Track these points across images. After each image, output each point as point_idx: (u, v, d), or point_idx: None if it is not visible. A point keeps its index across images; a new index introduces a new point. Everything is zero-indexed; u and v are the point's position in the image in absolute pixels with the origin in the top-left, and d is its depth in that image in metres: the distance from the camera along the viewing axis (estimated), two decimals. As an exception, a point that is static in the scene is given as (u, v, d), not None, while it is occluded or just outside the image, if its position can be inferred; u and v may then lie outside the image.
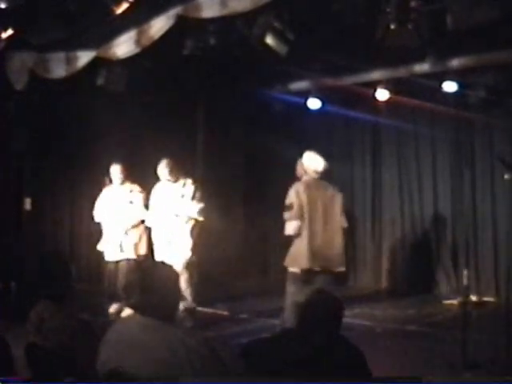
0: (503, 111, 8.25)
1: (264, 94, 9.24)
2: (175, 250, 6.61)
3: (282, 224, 6.37)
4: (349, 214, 9.70)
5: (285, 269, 6.30)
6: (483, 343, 5.48)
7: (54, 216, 8.87)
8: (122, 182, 7.33)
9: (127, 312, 6.80)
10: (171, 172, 6.73)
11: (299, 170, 6.35)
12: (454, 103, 8.45)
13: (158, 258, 6.70)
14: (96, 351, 2.60)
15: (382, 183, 9.67)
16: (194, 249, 6.71)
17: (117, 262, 7.27)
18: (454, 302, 7.66)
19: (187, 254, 6.65)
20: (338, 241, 6.24)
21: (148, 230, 7.16)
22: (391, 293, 9.01)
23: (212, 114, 9.45)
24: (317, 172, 6.26)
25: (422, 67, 7.58)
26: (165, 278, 2.68)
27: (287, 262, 6.26)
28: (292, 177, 6.43)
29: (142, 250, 7.27)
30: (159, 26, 5.92)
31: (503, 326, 5.09)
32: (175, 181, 6.78)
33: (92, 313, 6.10)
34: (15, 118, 7.76)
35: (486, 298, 8.10)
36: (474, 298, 7.60)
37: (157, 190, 6.94)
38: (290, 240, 6.29)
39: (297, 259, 6.17)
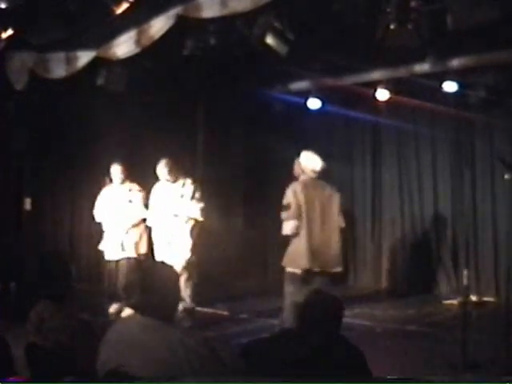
0: (503, 111, 8.25)
1: (264, 93, 9.24)
2: (175, 250, 6.61)
3: (281, 224, 6.36)
4: (349, 213, 9.74)
5: (284, 269, 6.30)
6: (483, 343, 5.48)
7: (54, 216, 8.87)
8: (122, 182, 7.33)
9: (127, 312, 6.81)
10: (170, 172, 6.73)
11: (297, 170, 6.33)
12: (454, 103, 8.45)
13: (157, 257, 6.70)
14: (96, 351, 2.60)
15: (382, 183, 9.67)
16: (194, 249, 6.71)
17: (117, 261, 7.27)
18: (454, 302, 7.64)
19: (187, 254, 6.64)
20: (335, 241, 6.22)
21: (148, 228, 7.16)
22: (391, 293, 9.01)
23: (212, 114, 9.45)
24: (314, 171, 6.25)
25: (422, 67, 7.58)
26: (165, 278, 2.68)
27: (285, 261, 6.24)
28: (292, 177, 6.43)
29: (143, 249, 7.28)
30: (159, 26, 5.92)
31: (503, 326, 5.09)
32: (174, 181, 6.78)
33: (92, 313, 6.10)
34: (15, 118, 7.76)
35: (485, 298, 8.11)
36: (473, 298, 7.59)
37: (156, 189, 6.94)
38: (288, 240, 6.28)
39: (295, 259, 6.15)
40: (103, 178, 7.52)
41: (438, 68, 7.53)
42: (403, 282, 9.16)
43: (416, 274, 9.06)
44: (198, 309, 6.93)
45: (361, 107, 9.19)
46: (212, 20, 5.86)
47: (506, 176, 5.16)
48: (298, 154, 6.38)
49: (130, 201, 7.29)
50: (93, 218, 7.50)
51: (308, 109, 8.96)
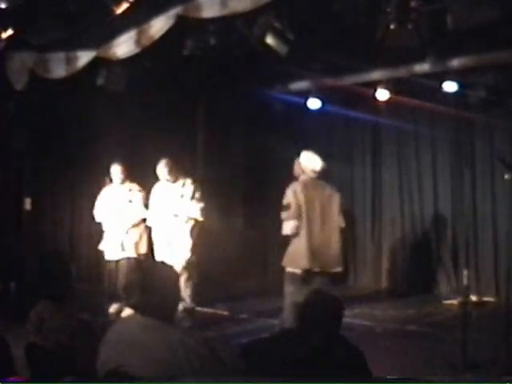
0: (503, 111, 8.25)
1: (264, 93, 9.24)
2: (175, 251, 6.60)
3: (281, 224, 6.36)
4: (349, 213, 9.73)
5: (284, 269, 6.29)
6: (483, 343, 5.48)
7: (54, 216, 8.87)
8: (123, 182, 7.34)
9: (127, 312, 6.80)
10: (170, 172, 6.72)
11: (297, 170, 6.33)
12: (454, 103, 8.45)
13: (157, 257, 6.70)
14: (96, 351, 2.60)
15: (382, 183, 9.67)
16: (194, 249, 6.71)
17: (117, 261, 7.27)
18: (454, 302, 7.64)
19: (187, 254, 6.64)
20: (335, 241, 6.21)
21: (148, 228, 7.16)
22: (391, 293, 9.01)
23: (212, 114, 9.45)
24: (314, 171, 6.24)
25: (422, 67, 7.58)
26: (165, 278, 2.68)
27: (285, 261, 6.23)
28: (292, 177, 6.42)
29: (143, 249, 7.28)
30: (159, 26, 5.92)
31: (503, 326, 5.09)
32: (174, 181, 6.78)
33: (92, 313, 6.10)
34: (15, 118, 7.76)
35: (486, 298, 8.10)
36: (474, 298, 7.60)
37: (156, 190, 6.94)
38: (288, 240, 6.27)
39: (295, 259, 6.14)
40: (103, 177, 7.52)
41: (438, 68, 7.53)
42: (403, 281, 9.16)
43: (416, 273, 9.06)
44: (198, 309, 6.93)
45: (361, 107, 9.18)
46: (212, 20, 5.86)
47: (506, 176, 5.16)
48: (298, 154, 6.38)
49: (130, 201, 7.29)
50: (93, 218, 7.51)
51: (308, 109, 8.96)
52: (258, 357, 2.78)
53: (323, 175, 6.37)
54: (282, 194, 6.32)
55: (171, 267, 2.80)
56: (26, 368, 2.94)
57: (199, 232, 6.81)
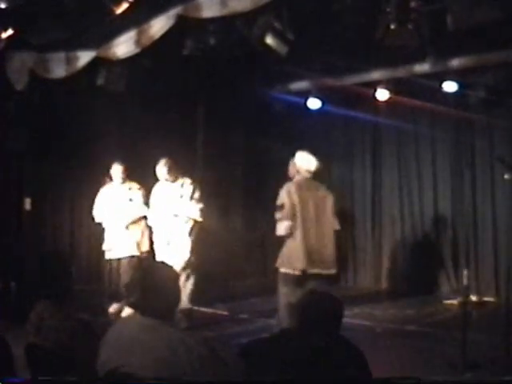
0: (503, 111, 8.25)
1: (264, 93, 9.24)
2: (174, 251, 6.60)
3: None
4: (349, 214, 9.77)
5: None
6: (483, 343, 5.48)
7: (54, 216, 8.86)
8: (123, 182, 7.36)
9: (127, 311, 6.81)
10: (170, 171, 6.72)
11: (291, 170, 6.28)
12: (454, 103, 8.46)
13: (157, 257, 6.70)
14: (96, 351, 2.60)
15: (382, 183, 9.67)
16: (193, 249, 6.70)
17: (119, 259, 7.29)
18: (454, 302, 7.65)
19: (186, 254, 6.63)
20: (330, 242, 6.16)
21: (149, 227, 7.16)
22: (391, 293, 9.02)
23: (212, 114, 9.44)
24: (309, 172, 6.20)
25: (422, 67, 7.59)
26: (165, 277, 2.68)
27: (279, 262, 6.18)
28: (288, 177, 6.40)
29: (145, 247, 7.29)
30: (159, 26, 5.92)
31: (503, 326, 5.09)
32: (174, 180, 6.78)
33: (92, 313, 6.09)
34: (15, 118, 7.76)
35: (486, 298, 8.10)
36: (474, 298, 7.60)
37: (156, 189, 6.94)
38: (283, 241, 6.23)
39: (290, 260, 6.09)
40: (103, 177, 7.53)
41: (438, 68, 7.53)
42: (403, 282, 9.16)
43: (416, 274, 9.05)
44: (198, 309, 6.92)
45: (361, 107, 9.19)
46: (212, 20, 5.86)
47: (506, 176, 5.16)
48: (293, 155, 6.35)
49: (131, 199, 7.31)
50: (93, 219, 7.51)
51: (308, 109, 8.96)
52: (258, 357, 2.77)
53: (322, 175, 6.35)
54: (281, 194, 6.30)
55: (171, 267, 2.80)
56: (25, 368, 2.93)
57: (199, 232, 6.81)
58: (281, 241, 6.30)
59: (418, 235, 9.31)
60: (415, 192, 9.33)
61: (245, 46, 6.36)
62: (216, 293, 8.32)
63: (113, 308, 7.19)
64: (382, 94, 8.35)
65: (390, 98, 8.39)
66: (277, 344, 2.89)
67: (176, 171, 6.79)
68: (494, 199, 8.44)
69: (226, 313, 7.60)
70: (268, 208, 9.35)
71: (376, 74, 8.14)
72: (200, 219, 6.73)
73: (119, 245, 7.24)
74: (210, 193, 7.54)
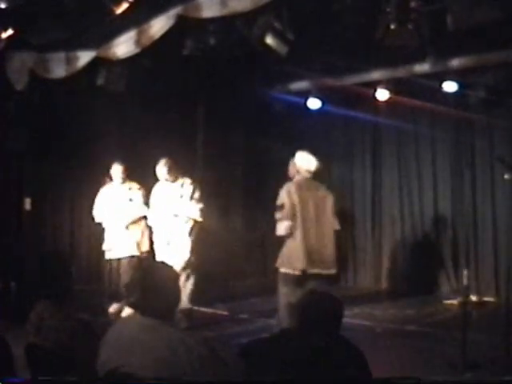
0: (503, 111, 8.25)
1: (264, 93, 9.24)
2: (174, 251, 6.60)
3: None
4: (349, 214, 9.77)
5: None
6: (483, 343, 5.48)
7: (54, 216, 8.86)
8: (123, 182, 7.36)
9: (127, 311, 6.81)
10: (170, 171, 6.71)
11: (291, 170, 6.27)
12: (454, 103, 8.46)
13: (157, 257, 6.70)
14: (96, 351, 2.60)
15: (382, 183, 9.67)
16: (193, 249, 6.70)
17: (119, 259, 7.29)
18: (454, 302, 7.65)
19: (186, 254, 6.63)
20: (329, 243, 6.14)
21: (149, 227, 7.16)
22: (391, 293, 9.01)
23: (212, 114, 9.45)
24: (309, 171, 6.19)
25: (422, 67, 7.59)
26: (165, 277, 2.68)
27: (279, 262, 6.17)
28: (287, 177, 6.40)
29: (145, 247, 7.29)
30: (159, 25, 5.92)
31: (503, 326, 5.09)
32: (174, 180, 6.78)
33: (92, 313, 6.09)
34: (15, 118, 7.76)
35: (486, 298, 8.10)
36: (474, 298, 7.60)
37: (156, 190, 6.94)
38: (282, 240, 6.23)
39: (290, 260, 6.08)
40: (103, 177, 7.53)
41: (438, 68, 7.54)
42: (403, 282, 9.16)
43: (416, 274, 9.05)
44: (198, 309, 6.92)
45: (361, 107, 9.19)
46: (212, 20, 5.86)
47: (506, 176, 5.16)
48: (293, 155, 6.34)
49: (131, 199, 7.31)
50: (93, 219, 7.51)
51: (308, 109, 8.96)
52: (258, 357, 2.77)
53: (322, 175, 6.35)
54: (281, 194, 6.29)
55: (171, 267, 2.80)
56: (25, 368, 2.93)
57: (199, 232, 6.81)
58: (281, 241, 6.29)
59: (417, 235, 9.30)
60: (415, 192, 9.33)
61: (245, 46, 6.36)
62: (216, 293, 8.32)
63: (113, 308, 7.20)
64: (382, 94, 8.35)
65: (390, 98, 8.39)
66: (277, 344, 2.89)
67: (176, 171, 6.78)
68: (494, 199, 8.44)
69: (226, 313, 7.60)
70: (268, 208, 9.36)
71: (376, 74, 8.14)
72: (200, 219, 6.73)
73: (119, 245, 7.24)
74: (210, 193, 7.54)
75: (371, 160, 9.73)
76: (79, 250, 8.90)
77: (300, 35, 6.04)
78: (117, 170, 7.32)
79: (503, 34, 6.26)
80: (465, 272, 5.69)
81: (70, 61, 6.66)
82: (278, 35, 5.83)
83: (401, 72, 7.93)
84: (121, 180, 7.34)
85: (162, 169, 6.73)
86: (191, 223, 6.71)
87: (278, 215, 6.18)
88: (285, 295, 6.02)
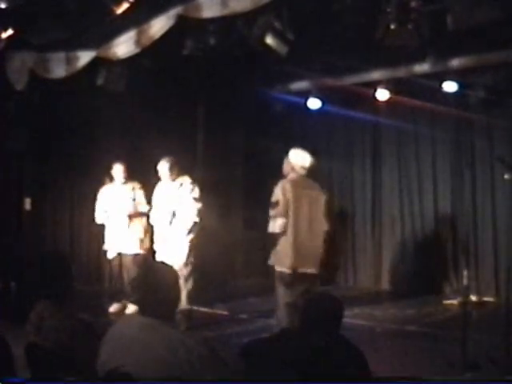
0: (503, 111, 8.25)
1: (264, 93, 9.24)
2: (174, 250, 6.59)
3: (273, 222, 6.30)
4: (349, 213, 9.77)
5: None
6: (483, 343, 5.48)
7: (54, 216, 8.87)
8: (125, 182, 7.38)
9: (131, 308, 6.82)
10: (171, 169, 6.70)
11: (286, 168, 6.25)
12: (454, 103, 8.46)
13: (157, 257, 6.70)
14: (96, 351, 2.60)
15: (382, 183, 9.67)
16: (193, 249, 6.69)
17: (121, 258, 7.30)
18: (454, 301, 7.66)
19: (185, 254, 6.62)
20: (319, 242, 6.12)
21: (151, 225, 7.17)
22: (391, 293, 9.02)
23: (212, 114, 9.45)
24: (304, 168, 6.17)
25: (422, 67, 7.59)
26: (165, 277, 2.68)
27: (272, 260, 6.16)
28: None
29: (148, 245, 7.31)
30: (159, 26, 5.92)
31: (503, 326, 5.08)
32: (174, 179, 6.77)
33: (92, 313, 6.09)
34: (15, 118, 7.76)
35: (486, 298, 8.10)
36: (474, 298, 7.60)
37: (157, 189, 6.95)
38: (276, 238, 6.21)
39: (281, 258, 6.07)
40: (103, 177, 7.54)
41: (438, 68, 7.53)
42: (403, 282, 9.15)
43: (416, 274, 9.04)
44: (198, 309, 6.91)
45: (361, 107, 9.18)
46: (212, 20, 5.86)
47: (506, 176, 5.16)
48: (287, 153, 6.33)
49: (134, 199, 7.35)
50: (93, 219, 7.51)
51: (308, 109, 8.96)
52: (258, 357, 2.78)
53: (322, 175, 6.33)
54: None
55: (171, 267, 2.80)
56: (25, 368, 2.93)
57: (198, 232, 6.80)
58: (275, 239, 6.28)
59: (417, 235, 9.30)
60: (415, 192, 9.32)
61: (245, 46, 6.35)
62: (216, 293, 8.32)
63: (113, 308, 7.20)
64: (382, 94, 8.35)
65: (390, 98, 8.38)
66: (277, 344, 2.89)
67: (177, 170, 6.78)
68: (494, 199, 8.44)
69: (225, 313, 7.60)
70: (268, 208, 9.39)
71: (376, 74, 8.14)
72: (197, 219, 6.72)
73: (122, 242, 7.27)
74: (210, 193, 7.54)
75: (371, 160, 9.72)
76: (79, 250, 8.91)
77: (300, 35, 6.04)
78: (118, 169, 7.34)
79: (503, 33, 6.26)
80: (465, 272, 5.69)
81: (69, 61, 6.66)
82: (278, 35, 5.83)
83: (401, 72, 7.93)
84: (123, 180, 7.37)
85: (163, 166, 6.72)
86: (190, 223, 6.71)
87: (271, 212, 6.15)
88: (281, 294, 6.02)
